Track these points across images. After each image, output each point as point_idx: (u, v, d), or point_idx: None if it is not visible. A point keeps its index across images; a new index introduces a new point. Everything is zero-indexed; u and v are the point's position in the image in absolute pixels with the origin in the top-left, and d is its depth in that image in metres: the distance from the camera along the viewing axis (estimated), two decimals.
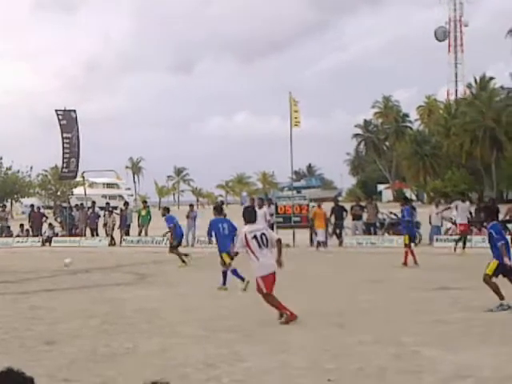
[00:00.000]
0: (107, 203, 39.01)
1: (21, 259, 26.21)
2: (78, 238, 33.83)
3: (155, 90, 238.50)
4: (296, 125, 31.51)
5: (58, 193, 63.04)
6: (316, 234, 28.54)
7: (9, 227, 37.65)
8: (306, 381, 7.73)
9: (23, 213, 58.86)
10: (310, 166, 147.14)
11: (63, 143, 36.20)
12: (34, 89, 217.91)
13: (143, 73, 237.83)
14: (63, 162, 36.77)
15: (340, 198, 57.02)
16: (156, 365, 8.21)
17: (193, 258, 22.78)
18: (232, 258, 15.12)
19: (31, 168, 61.69)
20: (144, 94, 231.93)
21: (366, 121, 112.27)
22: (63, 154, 36.32)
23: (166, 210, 23.59)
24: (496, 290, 12.21)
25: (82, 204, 39.31)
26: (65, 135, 36.16)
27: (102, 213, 36.74)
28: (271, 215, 31.53)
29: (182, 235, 24.49)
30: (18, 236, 36.06)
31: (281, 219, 30.38)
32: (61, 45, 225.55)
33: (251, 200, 35.50)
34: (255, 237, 11.44)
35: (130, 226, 34.80)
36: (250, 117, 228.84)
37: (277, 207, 30.64)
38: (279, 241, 11.62)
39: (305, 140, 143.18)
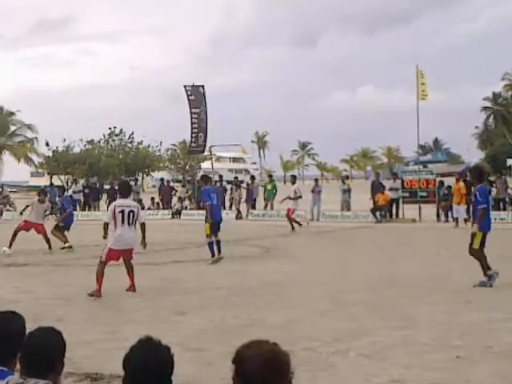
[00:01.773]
0: (235, 177, 39.63)
1: (152, 231, 27.00)
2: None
3: (279, 64, 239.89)
4: (423, 98, 30.87)
5: (187, 167, 64.51)
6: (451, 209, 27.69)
7: (140, 200, 38.94)
8: (433, 357, 7.66)
9: (154, 186, 60.82)
10: (436, 140, 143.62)
11: (191, 118, 36.92)
12: (163, 64, 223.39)
13: (267, 47, 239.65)
14: (192, 137, 37.52)
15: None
16: (282, 337, 8.32)
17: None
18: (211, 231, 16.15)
19: (161, 143, 63.26)
20: (268, 68, 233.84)
21: (495, 93, 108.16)
22: (191, 128, 37.06)
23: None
24: (484, 263, 12.07)
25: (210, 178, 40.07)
26: (193, 110, 36.86)
27: (228, 187, 37.39)
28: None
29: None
30: (149, 209, 37.23)
31: (407, 194, 29.96)
32: (186, 20, 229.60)
33: (376, 174, 35.16)
34: (122, 212, 12.08)
35: (255, 199, 35.26)
36: (374, 90, 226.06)
37: (403, 182, 30.23)
38: (143, 224, 12.61)
39: (431, 113, 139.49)
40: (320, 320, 9.72)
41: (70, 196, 21.74)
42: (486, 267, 12.02)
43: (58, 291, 12.52)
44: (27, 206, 20.85)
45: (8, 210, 36.61)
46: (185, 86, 37.05)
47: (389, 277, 13.57)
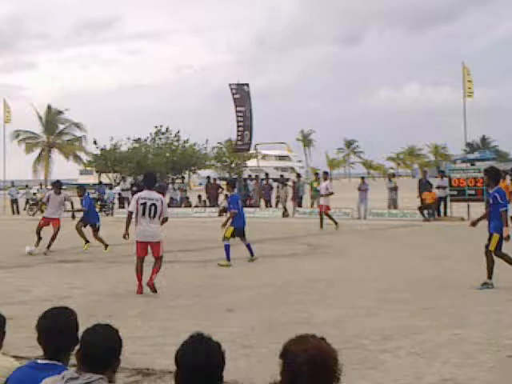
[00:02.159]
0: (281, 175, 39.69)
1: (200, 229, 27.29)
2: (252, 209, 34.66)
3: (323, 62, 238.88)
4: (469, 95, 30.64)
5: (233, 165, 64.82)
6: None
7: (187, 198, 39.27)
8: (485, 356, 7.60)
9: (200, 184, 61.18)
10: (483, 138, 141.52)
11: (237, 116, 37.11)
12: (207, 63, 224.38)
13: (312, 45, 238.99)
14: (237, 135, 37.72)
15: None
16: (332, 335, 8.31)
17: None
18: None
19: (207, 141, 63.74)
20: (313, 67, 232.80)
21: None
22: (237, 127, 37.25)
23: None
24: (490, 267, 11.84)
25: (256, 176, 40.22)
26: (238, 109, 37.04)
27: (275, 184, 37.45)
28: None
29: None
30: (196, 206, 37.51)
31: (455, 192, 29.63)
32: (231, 19, 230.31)
33: (423, 172, 34.86)
34: (144, 204, 12.10)
35: (302, 197, 35.26)
36: (419, 87, 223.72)
37: (450, 180, 29.92)
38: (166, 219, 12.49)
39: (478, 111, 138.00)
40: (368, 318, 9.72)
41: (88, 194, 21.32)
42: (490, 271, 11.90)
43: (110, 287, 12.72)
44: (43, 203, 21.02)
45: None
46: (230, 85, 37.25)
47: (437, 275, 13.49)
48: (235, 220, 16.39)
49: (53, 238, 18.82)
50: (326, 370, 3.00)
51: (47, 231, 19.22)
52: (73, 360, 3.77)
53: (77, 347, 3.67)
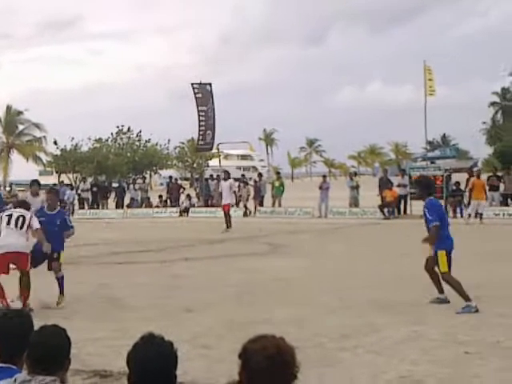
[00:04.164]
0: (242, 175, 39.65)
1: (160, 229, 27.18)
2: (213, 209, 34.60)
3: (287, 62, 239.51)
4: (431, 94, 30.94)
5: (195, 165, 64.61)
6: (466, 205, 27.66)
7: (148, 198, 39.05)
8: (442, 352, 7.67)
9: (161, 184, 60.94)
10: (444, 136, 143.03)
11: (199, 116, 36.95)
12: (171, 63, 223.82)
13: (275, 45, 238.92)
14: (199, 135, 37.56)
15: (476, 169, 55.26)
16: (291, 333, 8.34)
17: None
18: None
19: (169, 141, 63.40)
20: (276, 66, 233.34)
21: (503, 88, 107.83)
22: (199, 126, 37.09)
23: None
24: (460, 289, 10.03)
25: (218, 176, 40.17)
26: (200, 108, 36.89)
27: (236, 184, 37.43)
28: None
29: None
30: (157, 207, 37.34)
31: (415, 190, 29.86)
32: (195, 18, 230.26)
33: (384, 171, 35.13)
34: (10, 215, 10.96)
35: (263, 196, 35.29)
36: (382, 86, 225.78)
37: (410, 178, 30.16)
38: (37, 230, 10.92)
39: (439, 109, 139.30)
40: (328, 316, 9.75)
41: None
42: (464, 294, 10.08)
43: (68, 289, 12.53)
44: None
45: None
46: (192, 84, 37.08)
47: (396, 273, 13.59)
48: None
49: None
50: (283, 368, 3.00)
51: None
52: None
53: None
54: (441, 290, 10.52)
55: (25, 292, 10.67)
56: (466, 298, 9.95)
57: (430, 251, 10.42)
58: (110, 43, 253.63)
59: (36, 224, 10.93)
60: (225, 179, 27.16)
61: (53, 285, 11.49)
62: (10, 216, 10.96)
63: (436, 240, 10.22)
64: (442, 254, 10.18)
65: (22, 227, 10.83)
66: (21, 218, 10.87)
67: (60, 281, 11.50)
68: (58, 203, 15.81)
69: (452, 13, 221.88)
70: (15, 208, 11.68)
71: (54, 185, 38.10)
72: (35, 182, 17.01)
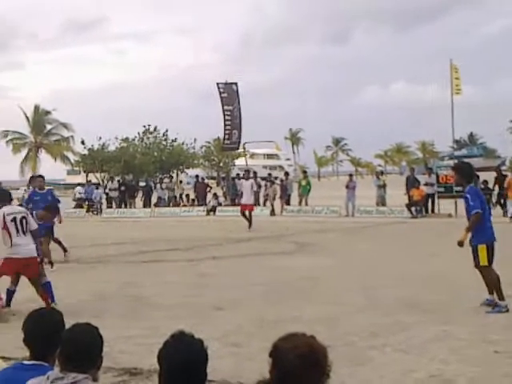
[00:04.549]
0: (269, 174, 39.66)
1: (188, 228, 27.27)
2: None
3: (311, 61, 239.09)
4: (457, 92, 30.81)
5: (221, 164, 64.77)
6: (494, 204, 27.37)
7: (175, 197, 39.22)
8: (471, 351, 7.64)
9: (188, 183, 61.11)
10: (471, 135, 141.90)
11: (225, 115, 37.09)
12: (194, 63, 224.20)
13: (299, 44, 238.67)
14: (225, 134, 37.70)
15: (503, 168, 54.90)
16: (321, 332, 8.36)
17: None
18: None
19: (195, 140, 63.56)
20: (301, 65, 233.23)
21: None
22: (225, 126, 37.23)
23: None
24: (497, 286, 9.76)
25: (243, 174, 40.22)
26: (226, 108, 37.02)
27: (263, 183, 37.46)
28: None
29: None
30: (184, 206, 37.48)
31: (442, 189, 29.71)
32: (215, 19, 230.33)
33: (411, 170, 34.96)
34: (14, 219, 10.38)
35: (290, 195, 35.28)
36: (407, 85, 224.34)
37: (438, 177, 30.01)
38: (36, 230, 10.64)
39: (466, 108, 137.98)
40: (357, 315, 9.74)
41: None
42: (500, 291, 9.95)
43: (97, 287, 12.68)
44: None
45: None
46: (217, 84, 37.22)
47: (425, 272, 13.53)
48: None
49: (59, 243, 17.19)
50: (315, 367, 2.99)
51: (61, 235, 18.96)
52: None
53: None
54: (490, 291, 10.03)
55: (44, 293, 10.56)
56: (501, 297, 9.73)
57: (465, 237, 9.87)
58: (133, 44, 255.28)
59: (34, 225, 10.67)
60: (246, 178, 26.94)
61: (57, 285, 11.53)
62: (15, 220, 10.36)
63: (476, 232, 9.75)
64: (482, 248, 9.74)
65: (27, 231, 10.47)
66: (24, 221, 10.47)
67: (47, 288, 10.79)
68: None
69: (477, 12, 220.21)
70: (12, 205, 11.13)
71: (79, 184, 38.38)
72: (40, 177, 17.81)
